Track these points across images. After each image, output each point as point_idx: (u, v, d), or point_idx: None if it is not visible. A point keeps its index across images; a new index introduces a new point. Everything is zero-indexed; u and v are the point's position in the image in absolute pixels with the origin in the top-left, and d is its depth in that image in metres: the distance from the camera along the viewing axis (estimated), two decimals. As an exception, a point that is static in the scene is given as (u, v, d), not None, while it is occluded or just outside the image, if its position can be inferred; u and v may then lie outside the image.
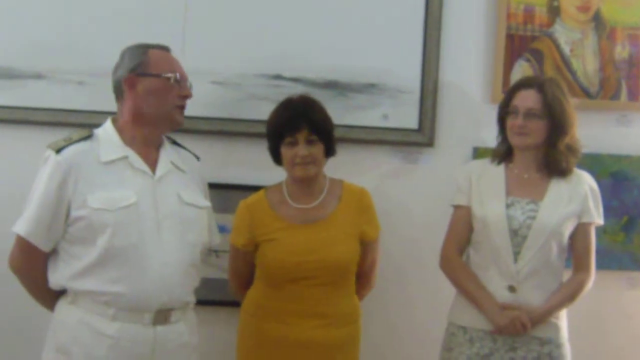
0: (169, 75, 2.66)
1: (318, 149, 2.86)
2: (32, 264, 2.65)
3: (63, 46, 3.28)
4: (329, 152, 2.93)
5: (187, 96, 2.72)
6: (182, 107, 2.72)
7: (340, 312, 2.90)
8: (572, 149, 2.93)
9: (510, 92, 2.97)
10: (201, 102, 3.22)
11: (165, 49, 2.75)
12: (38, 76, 3.28)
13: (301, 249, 2.85)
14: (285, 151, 2.86)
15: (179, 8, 3.28)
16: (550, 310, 2.87)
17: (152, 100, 2.65)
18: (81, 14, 3.29)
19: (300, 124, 2.84)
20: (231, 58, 3.29)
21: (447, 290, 3.07)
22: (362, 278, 3.01)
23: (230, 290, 3.11)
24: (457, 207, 3.03)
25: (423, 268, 3.34)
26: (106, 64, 3.08)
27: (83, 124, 3.10)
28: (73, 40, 3.27)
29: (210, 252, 3.19)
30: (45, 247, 2.61)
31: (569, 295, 2.90)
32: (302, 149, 2.83)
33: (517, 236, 2.88)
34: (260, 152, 3.04)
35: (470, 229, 2.98)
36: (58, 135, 2.77)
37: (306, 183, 2.92)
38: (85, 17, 3.28)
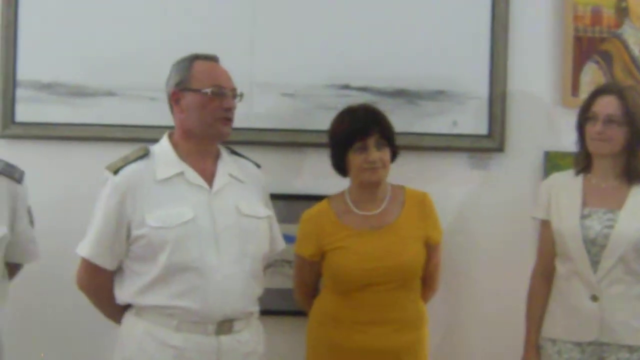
0: (207, 90, 2.66)
1: (386, 154, 2.90)
2: (98, 283, 2.70)
3: (134, 63, 3.32)
4: (394, 157, 2.96)
5: (229, 108, 2.71)
6: (226, 119, 2.70)
7: (408, 317, 2.93)
8: None
9: (590, 98, 2.94)
10: (272, 114, 3.29)
11: (212, 59, 2.76)
12: (110, 93, 3.34)
13: (370, 255, 2.87)
14: (355, 157, 2.88)
15: (246, 22, 3.31)
16: None
17: (194, 115, 2.67)
18: (150, 31, 3.34)
19: (372, 128, 2.88)
20: (300, 70, 3.32)
21: (515, 297, 3.08)
22: (426, 282, 3.04)
23: (296, 300, 3.14)
24: (543, 223, 3.03)
25: (494, 275, 3.35)
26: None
27: (156, 139, 3.13)
28: (143, 57, 3.31)
29: (284, 262, 3.22)
30: (109, 266, 2.66)
31: None
32: (373, 153, 2.87)
33: (595, 246, 2.85)
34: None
35: (555, 243, 2.98)
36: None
37: (371, 189, 2.94)
38: (154, 34, 3.33)
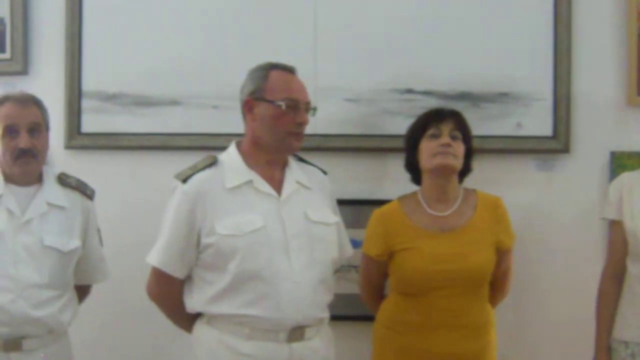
0: (281, 102, 2.64)
1: (460, 147, 2.89)
2: (168, 292, 2.71)
3: (196, 72, 3.36)
4: (468, 159, 2.95)
5: (303, 123, 2.69)
6: (298, 134, 2.69)
7: (476, 322, 2.89)
8: None
9: None
10: (336, 120, 3.30)
11: (289, 70, 2.74)
12: (174, 102, 3.37)
13: (440, 257, 2.84)
14: (427, 144, 2.88)
15: (309, 29, 3.33)
16: None
17: (266, 125, 2.66)
18: (213, 39, 3.37)
19: (446, 115, 2.91)
20: (363, 75, 3.32)
21: (584, 299, 3.05)
22: (496, 286, 3.00)
23: (362, 300, 3.12)
24: (612, 223, 2.98)
25: (562, 276, 3.31)
26: (239, 87, 3.18)
27: (220, 147, 3.15)
28: (206, 66, 3.35)
29: (350, 268, 3.22)
30: (179, 274, 2.67)
31: None
32: (445, 138, 2.86)
33: None
34: (395, 166, 3.09)
35: (626, 243, 2.93)
36: (197, 159, 2.80)
37: (443, 185, 2.91)
38: (217, 42, 3.36)
